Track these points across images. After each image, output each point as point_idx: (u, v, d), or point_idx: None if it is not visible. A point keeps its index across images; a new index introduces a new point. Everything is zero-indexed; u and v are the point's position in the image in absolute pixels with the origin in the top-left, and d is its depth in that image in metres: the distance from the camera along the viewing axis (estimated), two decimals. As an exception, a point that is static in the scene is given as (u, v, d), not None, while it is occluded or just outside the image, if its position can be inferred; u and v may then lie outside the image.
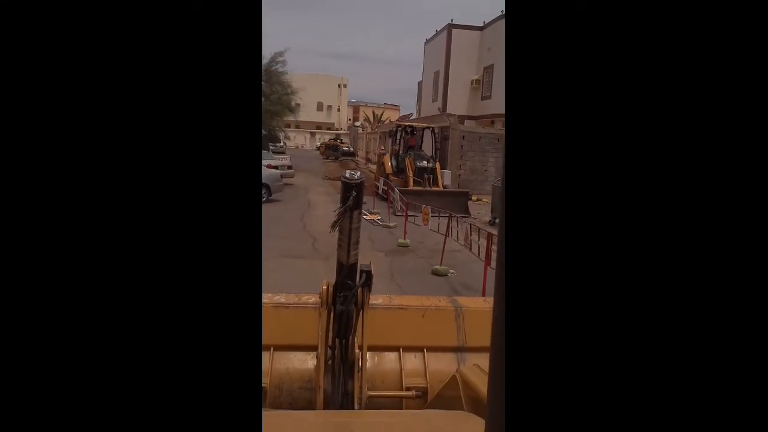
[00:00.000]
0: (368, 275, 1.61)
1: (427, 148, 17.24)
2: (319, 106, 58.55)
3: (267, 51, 29.93)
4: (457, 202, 12.91)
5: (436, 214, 9.88)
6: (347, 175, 1.47)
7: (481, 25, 28.20)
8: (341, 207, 1.46)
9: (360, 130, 41.75)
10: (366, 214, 12.28)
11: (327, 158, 32.94)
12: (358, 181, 1.47)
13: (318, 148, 42.22)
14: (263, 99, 25.91)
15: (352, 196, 1.44)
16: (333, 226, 1.49)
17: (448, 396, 1.73)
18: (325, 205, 13.95)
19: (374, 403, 1.74)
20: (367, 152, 31.22)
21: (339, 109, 61.87)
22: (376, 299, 1.87)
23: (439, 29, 31.00)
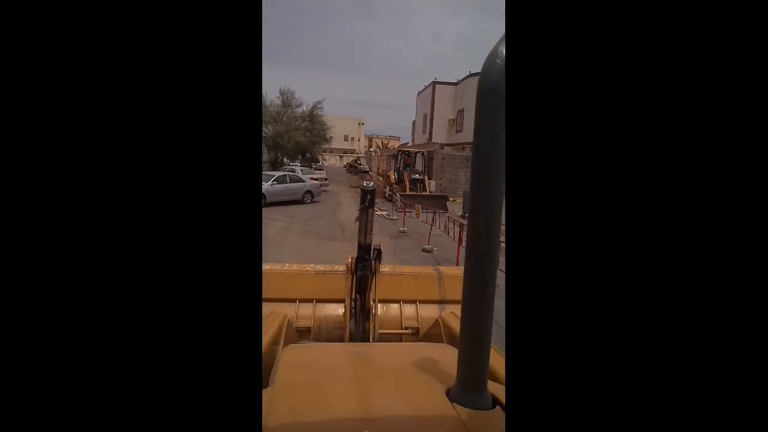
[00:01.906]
0: (379, 252, 1.62)
1: (419, 165, 17.20)
2: (345, 138, 58.36)
3: (310, 100, 29.88)
4: (439, 202, 12.83)
5: (425, 211, 9.88)
6: (364, 184, 1.49)
7: (455, 81, 27.92)
8: (361, 206, 1.47)
9: (373, 154, 41.66)
10: (377, 211, 12.25)
11: (350, 173, 32.88)
12: (372, 188, 1.48)
13: (344, 167, 42.40)
14: (308, 133, 25.82)
15: (368, 198, 1.45)
16: (357, 219, 1.51)
17: (432, 333, 1.73)
18: (350, 204, 13.91)
19: (383, 338, 1.74)
20: (378, 169, 31.12)
21: (359, 140, 61.58)
22: (384, 268, 1.87)
23: (426, 84, 30.73)
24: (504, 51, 0.57)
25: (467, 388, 0.68)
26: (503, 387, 0.81)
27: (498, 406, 0.67)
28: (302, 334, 1.78)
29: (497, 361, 1.00)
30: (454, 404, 0.67)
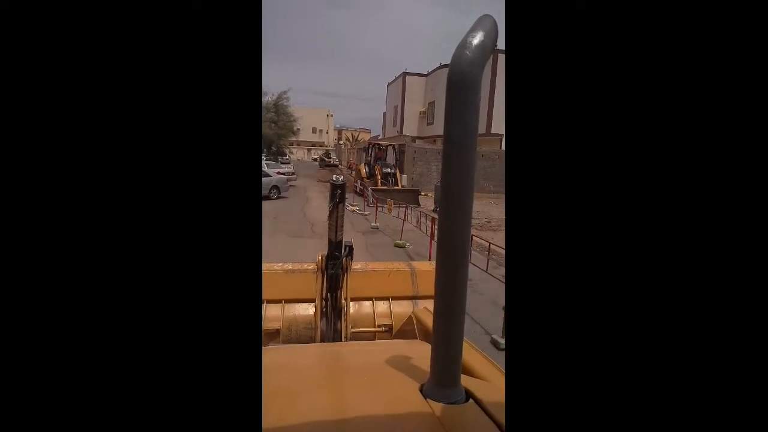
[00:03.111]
0: (350, 249, 1.61)
1: (390, 159, 17.26)
2: (314, 130, 57.57)
3: (275, 90, 29.37)
4: (411, 196, 12.98)
5: (397, 205, 9.96)
6: (334, 178, 1.48)
7: (426, 73, 28.14)
8: (332, 203, 1.46)
9: (343, 147, 41.49)
10: (348, 206, 12.21)
11: (322, 167, 32.67)
12: (342, 183, 1.47)
13: (314, 160, 42.28)
14: (273, 125, 25.25)
15: (338, 194, 1.44)
16: (329, 217, 1.50)
17: (406, 330, 1.75)
18: (320, 199, 13.76)
19: (356, 337, 1.75)
20: (348, 162, 30.98)
21: (327, 132, 60.90)
22: (356, 265, 1.86)
23: (397, 75, 30.78)
24: (473, 42, 0.58)
25: (440, 383, 0.69)
26: (477, 381, 0.84)
27: (471, 400, 0.69)
28: (271, 336, 1.75)
29: (470, 355, 1.02)
30: (428, 400, 0.68)
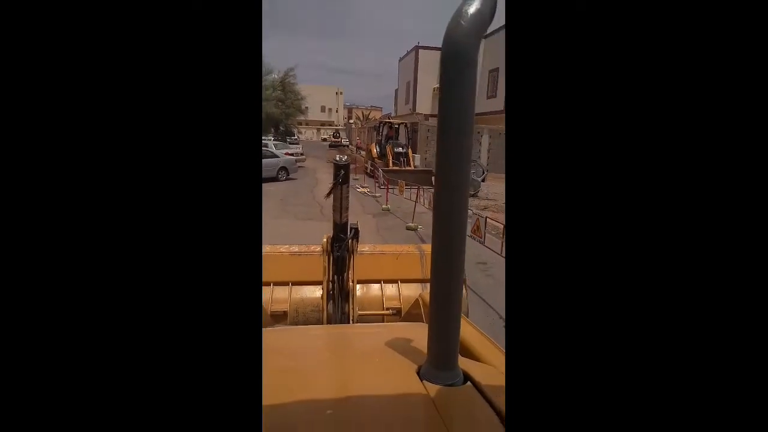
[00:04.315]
0: (356, 231, 1.66)
1: (402, 138, 17.09)
2: (322, 109, 57.13)
3: (281, 66, 29.13)
4: (424, 177, 12.82)
5: (409, 187, 9.92)
6: (337, 158, 1.51)
7: (440, 46, 27.33)
8: (334, 182, 1.50)
9: (353, 126, 41.19)
10: (358, 188, 12.21)
11: (329, 147, 32.68)
12: (345, 163, 1.50)
13: (324, 140, 42.40)
14: (280, 104, 25.14)
15: (341, 174, 1.47)
16: (327, 195, 1.53)
17: (414, 313, 1.80)
18: (329, 181, 13.78)
19: (364, 319, 1.80)
20: (356, 143, 30.79)
21: (337, 111, 60.33)
22: (364, 247, 1.91)
23: (409, 50, 30.09)
24: (469, 11, 0.56)
25: (437, 365, 0.72)
26: (478, 364, 0.87)
27: (469, 382, 0.72)
28: (278, 318, 1.82)
29: (471, 335, 1.06)
30: (424, 382, 0.71)
